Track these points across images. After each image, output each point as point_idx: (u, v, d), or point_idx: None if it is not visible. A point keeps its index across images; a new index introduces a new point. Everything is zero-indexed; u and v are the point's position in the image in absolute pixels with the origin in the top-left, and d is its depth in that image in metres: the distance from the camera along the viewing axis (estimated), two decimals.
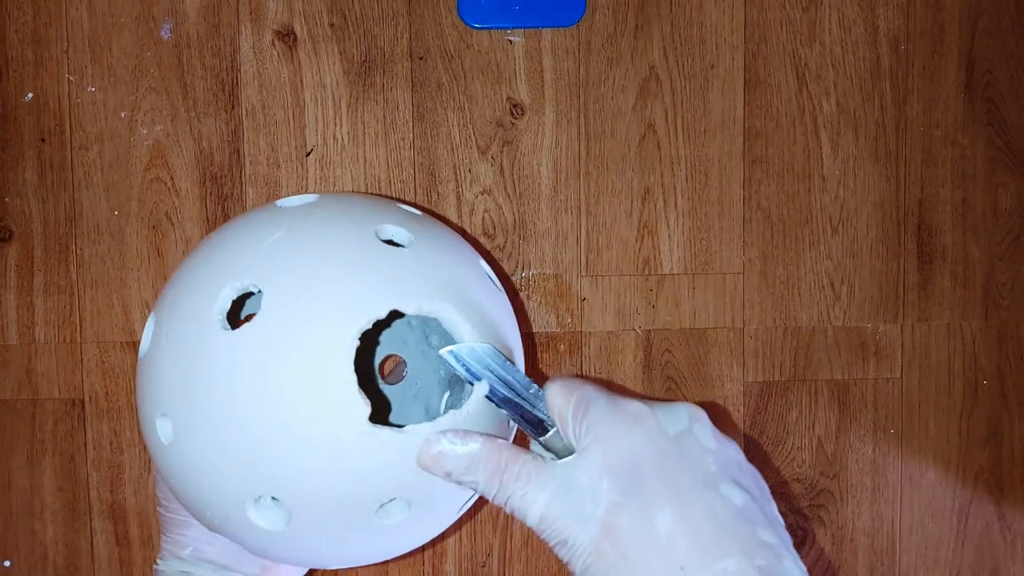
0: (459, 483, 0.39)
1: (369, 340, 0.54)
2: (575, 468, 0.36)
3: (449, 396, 0.55)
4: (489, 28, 0.72)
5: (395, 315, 0.41)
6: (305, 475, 0.39)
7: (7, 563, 0.72)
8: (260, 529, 0.41)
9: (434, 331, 0.57)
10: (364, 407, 0.39)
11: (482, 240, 0.73)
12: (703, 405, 0.39)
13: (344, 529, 0.42)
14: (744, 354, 0.75)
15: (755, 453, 0.75)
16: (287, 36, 0.72)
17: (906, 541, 0.77)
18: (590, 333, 0.74)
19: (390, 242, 0.44)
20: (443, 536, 0.73)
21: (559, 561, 0.37)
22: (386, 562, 0.74)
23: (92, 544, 0.72)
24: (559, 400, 0.38)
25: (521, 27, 0.72)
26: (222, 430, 0.39)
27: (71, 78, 0.71)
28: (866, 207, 0.75)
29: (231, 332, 0.40)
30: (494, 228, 0.73)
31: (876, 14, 0.75)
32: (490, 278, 0.48)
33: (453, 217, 0.73)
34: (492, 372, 0.40)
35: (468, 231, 0.73)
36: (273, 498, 0.41)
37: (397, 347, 0.59)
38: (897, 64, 0.75)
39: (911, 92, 0.75)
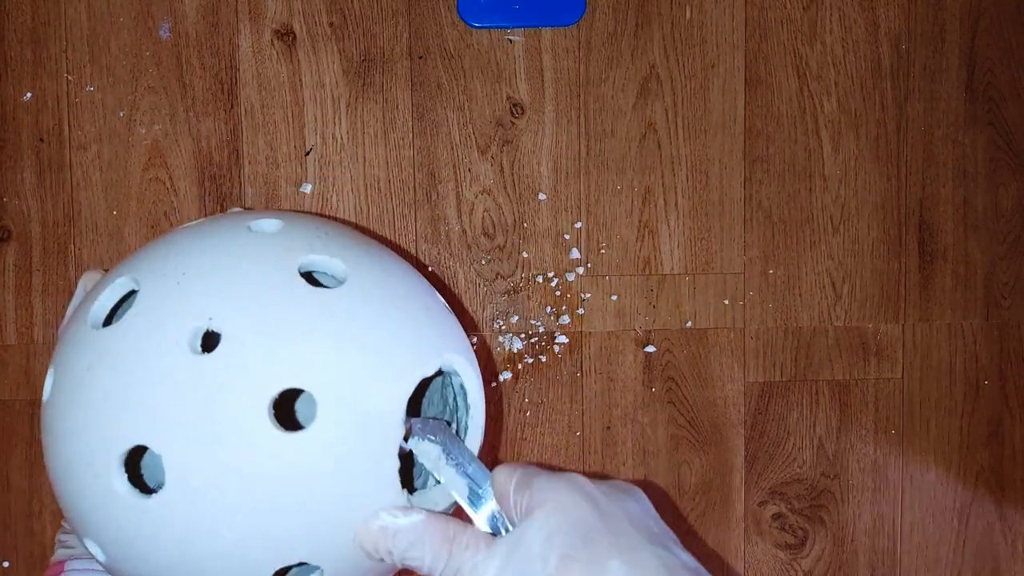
0: (402, 561, 0.37)
1: None
2: (522, 533, 0.35)
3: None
4: (489, 27, 0.72)
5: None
6: (345, 547, 0.39)
7: (6, 564, 0.72)
8: None
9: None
10: (402, 497, 0.39)
11: (482, 240, 0.73)
12: (639, 484, 0.39)
13: (371, 571, 0.42)
14: (745, 354, 0.74)
15: (756, 453, 0.75)
16: (286, 35, 0.71)
17: (907, 541, 0.76)
18: (590, 333, 0.73)
19: (321, 283, 0.43)
20: None
21: None
22: None
23: None
24: (502, 478, 0.38)
25: (521, 26, 0.72)
26: (252, 518, 0.39)
27: (69, 78, 0.71)
28: (867, 207, 0.75)
29: (287, 433, 0.39)
30: (494, 228, 0.73)
31: (877, 13, 0.74)
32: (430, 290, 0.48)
33: (453, 217, 0.73)
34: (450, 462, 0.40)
35: (468, 231, 0.73)
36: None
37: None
38: (898, 63, 0.75)
39: (912, 91, 0.75)
